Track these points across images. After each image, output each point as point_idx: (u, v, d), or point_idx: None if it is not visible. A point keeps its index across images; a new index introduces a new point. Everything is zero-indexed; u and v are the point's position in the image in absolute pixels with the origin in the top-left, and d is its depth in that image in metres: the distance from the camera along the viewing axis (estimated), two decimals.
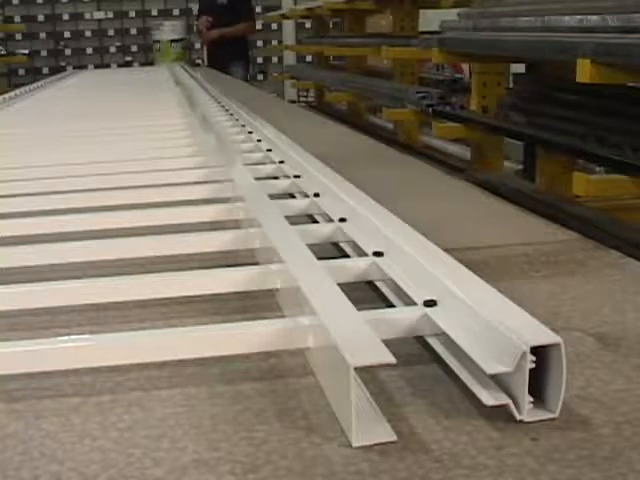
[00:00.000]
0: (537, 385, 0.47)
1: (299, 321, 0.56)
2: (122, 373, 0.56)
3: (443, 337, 0.53)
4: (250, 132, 1.42)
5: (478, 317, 0.51)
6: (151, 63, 6.38)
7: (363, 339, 0.49)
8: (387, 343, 0.49)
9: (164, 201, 0.93)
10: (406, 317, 0.56)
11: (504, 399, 0.47)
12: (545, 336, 0.47)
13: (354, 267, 0.66)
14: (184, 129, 1.56)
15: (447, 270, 0.60)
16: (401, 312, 0.58)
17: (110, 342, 0.56)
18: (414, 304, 0.58)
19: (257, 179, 0.98)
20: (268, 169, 1.10)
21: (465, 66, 4.91)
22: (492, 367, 0.47)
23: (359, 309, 0.54)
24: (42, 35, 9.38)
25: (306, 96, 8.29)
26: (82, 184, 1.05)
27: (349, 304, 0.55)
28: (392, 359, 0.45)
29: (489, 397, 0.47)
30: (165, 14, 9.19)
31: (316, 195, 0.89)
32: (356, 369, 0.45)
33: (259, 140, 1.30)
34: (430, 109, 4.15)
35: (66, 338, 0.57)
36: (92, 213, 0.90)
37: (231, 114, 1.77)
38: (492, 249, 0.82)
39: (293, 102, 8.33)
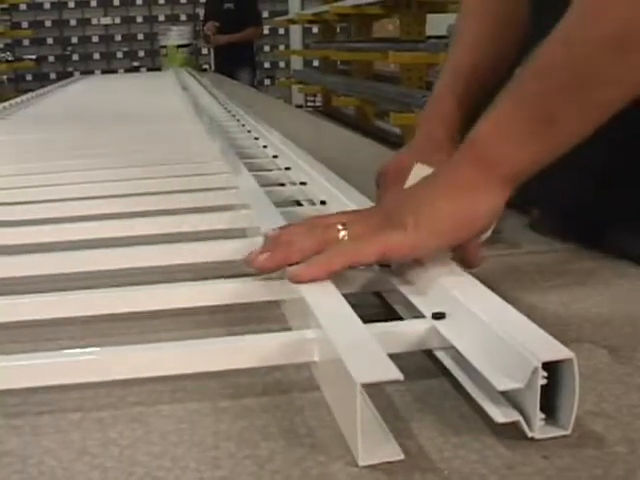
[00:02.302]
0: (549, 401, 0.46)
1: (304, 334, 0.55)
2: (124, 387, 0.55)
3: (452, 351, 0.52)
4: (256, 138, 1.41)
5: (488, 330, 0.50)
6: (158, 68, 6.38)
7: (370, 354, 0.47)
8: (395, 356, 0.48)
9: (166, 209, 0.92)
10: (414, 330, 0.55)
11: (515, 416, 0.46)
12: (557, 351, 0.46)
13: (360, 276, 0.65)
14: (189, 135, 1.55)
15: (455, 280, 0.58)
16: (408, 325, 0.56)
17: (110, 356, 0.55)
18: (422, 317, 0.56)
19: (263, 186, 0.97)
20: (274, 175, 1.09)
21: None
22: (502, 383, 0.46)
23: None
24: (49, 40, 9.41)
25: (313, 101, 8.30)
26: (83, 191, 1.04)
27: (355, 316, 0.54)
28: (399, 375, 0.44)
29: (499, 414, 0.46)
30: (172, 19, 9.21)
31: (322, 203, 0.88)
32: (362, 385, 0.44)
33: (265, 146, 1.29)
34: None
35: (66, 352, 0.56)
36: (90, 222, 0.88)
37: (237, 119, 1.76)
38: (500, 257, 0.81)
39: (300, 107, 8.34)
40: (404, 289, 0.61)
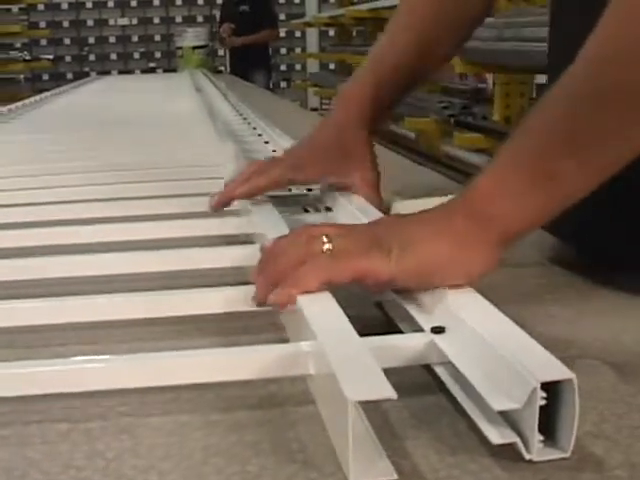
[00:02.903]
0: (549, 422, 0.44)
1: (300, 346, 0.53)
2: (114, 397, 0.54)
3: (450, 367, 0.51)
4: (266, 142, 1.40)
5: (487, 347, 0.48)
6: (174, 69, 6.38)
7: (364, 370, 0.46)
8: (393, 370, 0.47)
9: (171, 213, 0.91)
10: (412, 344, 0.53)
11: (512, 437, 0.44)
12: (557, 371, 0.44)
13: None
14: (200, 138, 1.54)
15: (457, 294, 0.57)
16: (407, 339, 0.55)
17: (102, 365, 0.54)
18: (421, 330, 0.55)
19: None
20: None
21: (488, 75, 4.88)
22: (500, 403, 0.44)
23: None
24: (66, 41, 9.44)
25: (329, 104, 8.28)
26: (89, 193, 1.03)
27: (352, 330, 0.52)
28: (393, 394, 0.43)
29: (496, 434, 0.44)
30: (189, 20, 9.23)
31: (328, 209, 0.87)
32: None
33: (274, 151, 1.28)
34: (452, 119, 4.13)
35: (59, 360, 0.55)
36: (92, 225, 0.87)
37: (249, 122, 1.75)
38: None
39: (315, 110, 8.33)
40: (404, 301, 0.59)
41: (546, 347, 0.59)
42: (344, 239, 0.59)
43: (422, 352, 0.53)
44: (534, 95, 3.72)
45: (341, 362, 0.47)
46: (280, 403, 0.53)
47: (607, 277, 0.74)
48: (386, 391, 0.43)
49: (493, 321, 0.53)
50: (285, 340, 0.60)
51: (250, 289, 0.63)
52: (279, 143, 1.32)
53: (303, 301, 0.57)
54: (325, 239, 0.58)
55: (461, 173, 3.98)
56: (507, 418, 0.45)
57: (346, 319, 0.54)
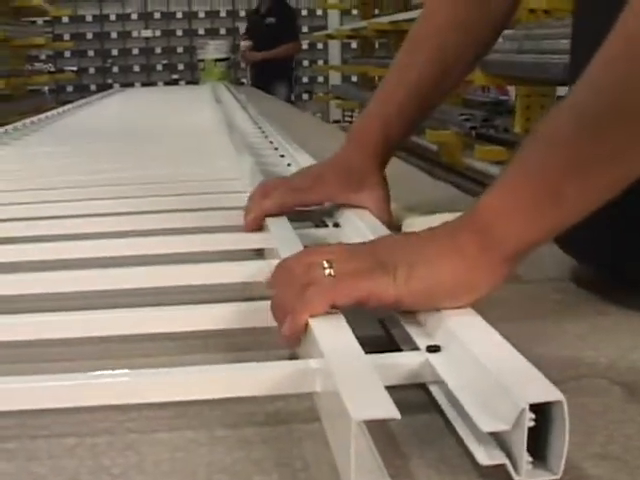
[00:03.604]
0: (539, 443, 0.44)
1: (307, 363, 0.53)
2: (121, 413, 0.54)
3: (445, 386, 0.50)
4: (282, 155, 1.40)
5: (480, 367, 0.48)
6: (197, 82, 6.42)
7: (369, 389, 0.46)
8: (398, 388, 0.46)
9: (183, 227, 0.91)
10: (407, 363, 0.53)
11: (501, 458, 0.44)
12: (547, 392, 0.44)
13: None
14: (218, 152, 1.55)
15: (455, 313, 0.56)
16: (402, 357, 0.55)
17: (109, 380, 0.54)
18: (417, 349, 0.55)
19: None
20: None
21: (510, 87, 4.87)
22: (488, 424, 0.44)
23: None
24: (90, 53, 9.51)
25: (351, 116, 8.29)
26: (105, 207, 1.04)
27: (359, 348, 0.52)
28: (397, 414, 0.42)
29: (485, 455, 0.44)
30: (211, 33, 9.27)
31: (336, 225, 0.86)
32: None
33: (289, 164, 1.28)
34: (473, 131, 4.13)
35: (63, 375, 0.55)
36: (114, 239, 0.87)
37: (266, 136, 1.76)
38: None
39: (337, 122, 8.34)
40: (403, 319, 0.59)
41: (556, 364, 0.59)
42: (345, 264, 0.58)
43: (417, 371, 0.53)
44: None
45: (346, 380, 0.47)
46: (286, 420, 0.53)
47: (623, 295, 0.73)
48: (390, 411, 0.43)
49: (488, 341, 0.52)
50: (294, 357, 0.59)
51: (259, 304, 0.63)
52: (295, 157, 1.33)
53: (312, 319, 0.56)
54: (326, 264, 0.58)
55: (483, 185, 3.97)
56: (498, 439, 0.45)
57: (353, 337, 0.54)
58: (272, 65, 5.92)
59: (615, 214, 0.62)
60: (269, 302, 0.61)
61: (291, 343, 0.58)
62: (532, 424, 0.42)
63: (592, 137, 0.57)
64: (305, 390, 0.53)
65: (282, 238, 0.78)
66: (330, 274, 0.57)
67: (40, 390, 0.53)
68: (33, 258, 0.84)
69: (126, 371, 0.55)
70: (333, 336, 0.54)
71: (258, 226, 0.85)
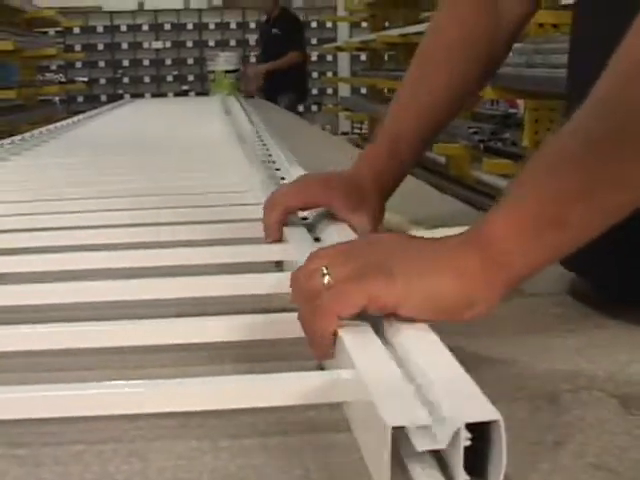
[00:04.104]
0: (481, 461, 0.44)
1: (339, 374, 0.54)
2: (127, 421, 0.55)
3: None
4: (277, 169, 1.40)
5: (421, 385, 0.49)
6: (207, 93, 6.45)
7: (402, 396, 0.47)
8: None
9: (198, 239, 0.92)
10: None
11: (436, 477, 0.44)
12: (484, 412, 0.44)
13: None
14: (227, 163, 1.56)
15: (411, 328, 0.56)
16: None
17: (136, 390, 0.54)
18: None
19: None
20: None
21: (520, 101, 4.88)
22: (423, 443, 0.44)
23: None
24: (101, 63, 9.58)
25: (360, 128, 8.31)
26: (119, 219, 1.05)
27: (388, 356, 0.53)
28: (429, 421, 0.44)
29: (422, 474, 0.45)
30: (222, 44, 9.31)
31: (317, 240, 0.86)
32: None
33: (282, 178, 1.28)
34: (481, 145, 4.14)
35: (79, 385, 0.56)
36: (124, 250, 0.89)
37: (267, 149, 1.76)
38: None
39: (346, 134, 8.36)
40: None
41: (554, 376, 0.61)
42: (342, 267, 0.58)
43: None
44: None
45: (380, 389, 0.48)
46: (285, 431, 0.54)
47: (622, 309, 0.74)
48: (424, 418, 0.44)
49: (434, 357, 0.52)
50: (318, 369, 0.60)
51: (279, 316, 0.65)
52: (289, 171, 1.33)
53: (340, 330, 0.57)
54: (324, 270, 0.58)
55: (491, 198, 3.99)
56: (441, 459, 0.45)
57: (382, 345, 0.55)
58: (280, 76, 5.93)
59: (618, 236, 0.61)
60: (289, 314, 0.63)
61: (320, 357, 0.59)
62: (468, 443, 0.43)
63: (597, 161, 0.57)
64: (338, 400, 0.54)
65: (299, 249, 0.79)
66: (329, 281, 0.58)
67: (52, 399, 0.54)
68: (48, 269, 0.85)
69: (150, 381, 0.55)
70: (362, 345, 0.54)
71: (275, 237, 0.85)
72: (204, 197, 1.18)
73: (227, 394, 0.53)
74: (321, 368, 0.60)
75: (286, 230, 0.86)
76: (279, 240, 0.85)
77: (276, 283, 0.73)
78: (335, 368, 0.55)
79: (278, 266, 0.85)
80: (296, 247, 0.81)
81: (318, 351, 0.58)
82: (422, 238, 0.62)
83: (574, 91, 0.86)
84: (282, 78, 5.89)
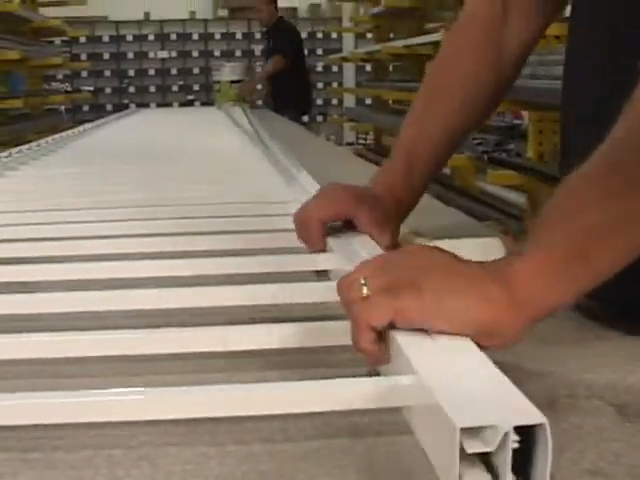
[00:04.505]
0: (526, 463, 0.46)
1: (399, 380, 0.56)
2: (137, 427, 0.56)
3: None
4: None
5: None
6: (212, 103, 6.47)
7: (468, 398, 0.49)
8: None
9: (235, 249, 0.94)
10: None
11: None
12: (531, 416, 0.46)
13: None
14: (241, 173, 1.58)
15: (452, 338, 0.59)
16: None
17: (193, 395, 0.56)
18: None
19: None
20: None
21: (524, 112, 4.89)
22: (473, 445, 0.46)
23: None
24: (107, 73, 9.62)
25: (365, 139, 8.34)
26: (134, 228, 1.06)
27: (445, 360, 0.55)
28: (501, 421, 0.45)
29: (470, 474, 0.46)
30: (227, 54, 9.35)
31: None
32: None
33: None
34: (485, 156, 4.15)
35: (94, 392, 0.57)
36: (168, 259, 0.90)
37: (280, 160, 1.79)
38: None
39: (350, 144, 8.38)
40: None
41: (556, 385, 0.62)
42: (377, 279, 0.60)
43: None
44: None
45: (444, 392, 0.50)
46: (290, 438, 0.56)
47: (624, 322, 0.76)
48: (494, 419, 0.45)
49: (477, 364, 0.55)
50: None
51: (328, 324, 0.67)
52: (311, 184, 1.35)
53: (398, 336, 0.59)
54: (362, 281, 0.60)
55: (496, 209, 4.00)
56: (485, 460, 0.47)
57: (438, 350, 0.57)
58: (279, 87, 5.93)
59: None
60: (335, 322, 0.66)
61: (371, 364, 0.62)
62: (516, 445, 0.45)
63: (623, 197, 0.59)
64: (400, 404, 0.56)
65: (347, 258, 0.81)
66: (366, 293, 0.60)
67: (64, 406, 0.55)
68: (76, 277, 0.87)
69: (206, 387, 0.56)
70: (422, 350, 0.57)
71: (321, 247, 0.87)
72: (236, 207, 1.20)
73: (292, 399, 0.55)
74: (377, 373, 0.62)
75: (329, 240, 0.88)
76: (324, 250, 0.87)
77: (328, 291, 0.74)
78: (393, 373, 0.58)
79: (319, 275, 0.87)
80: (343, 256, 0.83)
81: (366, 357, 0.60)
82: (454, 256, 0.63)
83: (569, 101, 0.88)
84: (285, 93, 5.88)
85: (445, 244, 0.71)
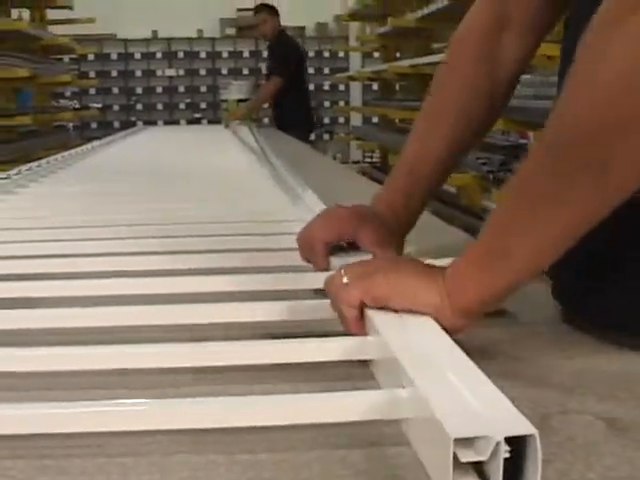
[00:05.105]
0: (516, 473, 0.49)
1: (398, 392, 0.59)
2: (148, 435, 0.59)
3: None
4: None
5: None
6: (219, 121, 6.50)
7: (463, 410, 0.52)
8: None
9: (237, 267, 0.98)
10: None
11: None
12: (521, 427, 0.49)
13: None
14: (247, 192, 1.61)
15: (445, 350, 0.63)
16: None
17: (214, 406, 0.59)
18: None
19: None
20: None
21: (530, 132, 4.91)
22: (466, 454, 0.49)
23: None
24: (115, 90, 9.67)
25: (371, 157, 8.36)
26: (140, 246, 1.09)
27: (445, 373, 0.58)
28: (494, 432, 0.48)
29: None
30: (235, 73, 9.40)
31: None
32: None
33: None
34: (491, 175, 4.17)
35: (107, 402, 0.60)
36: (184, 276, 0.93)
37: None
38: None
39: (357, 162, 8.41)
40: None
41: (548, 399, 0.65)
42: (355, 270, 0.75)
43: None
44: None
45: (440, 404, 0.53)
46: (295, 447, 0.58)
47: (615, 336, 0.78)
48: (487, 430, 0.48)
49: (470, 377, 0.58)
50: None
51: (327, 341, 0.71)
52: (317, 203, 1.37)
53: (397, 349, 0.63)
54: (342, 272, 0.75)
55: None
56: (478, 469, 0.50)
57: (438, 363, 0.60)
58: (286, 107, 5.91)
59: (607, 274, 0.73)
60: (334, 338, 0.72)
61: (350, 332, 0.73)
62: (507, 455, 0.48)
63: (517, 213, 0.68)
64: (401, 416, 0.59)
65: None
66: (346, 281, 0.74)
67: (77, 416, 0.58)
68: (90, 293, 0.90)
69: (214, 398, 0.60)
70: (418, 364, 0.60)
71: (325, 266, 0.91)
72: (245, 225, 1.24)
73: (295, 411, 0.58)
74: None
75: (332, 259, 0.92)
76: (327, 270, 0.90)
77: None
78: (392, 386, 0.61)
79: (316, 293, 0.89)
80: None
81: (347, 328, 0.74)
82: (420, 262, 0.76)
83: None
84: (286, 112, 5.85)
85: (445, 262, 0.74)
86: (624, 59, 0.60)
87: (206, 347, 0.71)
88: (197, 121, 9.35)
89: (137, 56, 9.69)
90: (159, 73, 9.71)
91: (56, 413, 0.58)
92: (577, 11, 0.85)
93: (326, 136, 9.51)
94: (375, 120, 8.24)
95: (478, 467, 0.50)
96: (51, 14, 6.46)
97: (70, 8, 6.32)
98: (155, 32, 9.61)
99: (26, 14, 6.21)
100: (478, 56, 0.95)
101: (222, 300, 0.84)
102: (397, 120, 6.80)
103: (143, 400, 0.61)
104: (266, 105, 6.42)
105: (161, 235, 1.15)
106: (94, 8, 7.00)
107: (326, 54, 9.74)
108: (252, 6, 6.05)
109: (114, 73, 9.67)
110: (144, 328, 0.79)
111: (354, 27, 8.79)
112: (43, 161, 2.37)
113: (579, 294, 0.81)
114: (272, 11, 5.91)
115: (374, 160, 8.01)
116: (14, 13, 5.98)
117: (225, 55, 9.72)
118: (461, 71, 0.97)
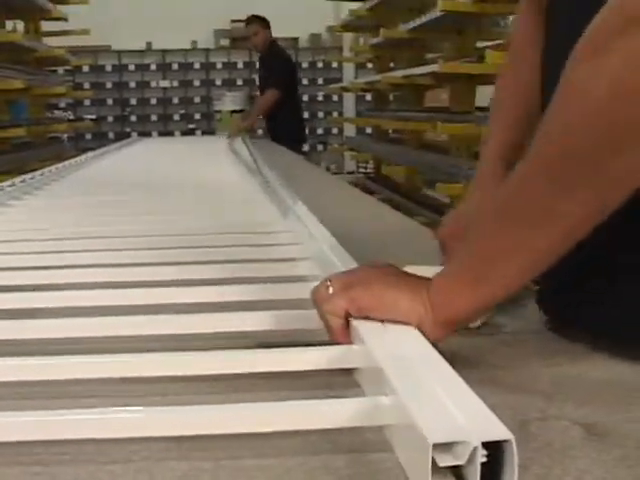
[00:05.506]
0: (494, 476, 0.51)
1: (380, 400, 0.61)
2: (136, 443, 0.60)
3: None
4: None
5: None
6: (213, 132, 6.51)
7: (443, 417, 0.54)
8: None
9: (227, 277, 0.99)
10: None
11: None
12: (498, 431, 0.51)
13: None
14: (238, 203, 1.62)
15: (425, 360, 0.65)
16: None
17: (206, 413, 0.61)
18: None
19: None
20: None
21: None
22: (444, 459, 0.51)
23: None
24: (109, 101, 9.68)
25: (365, 167, 8.38)
26: (133, 257, 1.11)
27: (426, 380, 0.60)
28: (472, 438, 0.50)
29: None
30: (229, 84, 9.41)
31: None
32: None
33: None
34: None
35: (99, 410, 0.62)
36: (191, 287, 0.96)
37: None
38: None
39: (351, 173, 8.43)
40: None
41: (528, 406, 0.66)
42: (340, 281, 0.77)
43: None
44: None
45: (421, 411, 0.54)
46: (278, 453, 0.60)
47: (597, 344, 0.80)
48: (465, 435, 0.50)
49: (450, 384, 0.60)
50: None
51: (313, 350, 0.73)
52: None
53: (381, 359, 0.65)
54: (328, 283, 0.77)
55: None
56: (456, 473, 0.52)
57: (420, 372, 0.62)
58: (279, 118, 5.90)
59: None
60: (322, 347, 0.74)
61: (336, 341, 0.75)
62: (484, 459, 0.50)
63: (500, 232, 0.71)
64: (377, 423, 0.61)
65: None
66: (332, 291, 0.76)
67: (73, 423, 0.60)
68: (83, 304, 0.91)
69: (204, 406, 0.62)
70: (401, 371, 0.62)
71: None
72: (235, 237, 1.25)
73: (280, 418, 0.60)
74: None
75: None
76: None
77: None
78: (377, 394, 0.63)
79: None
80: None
81: (332, 337, 0.76)
82: (403, 271, 0.79)
83: None
84: (278, 124, 5.85)
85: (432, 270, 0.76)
86: (615, 70, 0.62)
87: (195, 356, 0.72)
88: (191, 132, 9.36)
89: (131, 67, 9.70)
90: (153, 84, 9.72)
91: (47, 421, 0.60)
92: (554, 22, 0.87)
93: (320, 147, 9.52)
94: (369, 131, 8.27)
95: (456, 471, 0.52)
96: (46, 26, 6.47)
97: (65, 20, 6.33)
98: (149, 44, 9.62)
99: (20, 26, 6.22)
100: (519, 60, 1.05)
101: (213, 310, 0.86)
102: (391, 130, 6.82)
103: (132, 408, 0.62)
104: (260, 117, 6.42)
105: (154, 247, 1.17)
106: (89, 20, 7.00)
107: (319, 65, 9.76)
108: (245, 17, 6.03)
109: (108, 84, 9.68)
110: (135, 338, 0.81)
111: (347, 38, 8.82)
112: (37, 173, 2.39)
113: (569, 304, 0.82)
114: (263, 23, 5.91)
115: (368, 170, 8.02)
116: (8, 25, 5.99)
117: (219, 66, 9.73)
118: (511, 71, 1.06)
